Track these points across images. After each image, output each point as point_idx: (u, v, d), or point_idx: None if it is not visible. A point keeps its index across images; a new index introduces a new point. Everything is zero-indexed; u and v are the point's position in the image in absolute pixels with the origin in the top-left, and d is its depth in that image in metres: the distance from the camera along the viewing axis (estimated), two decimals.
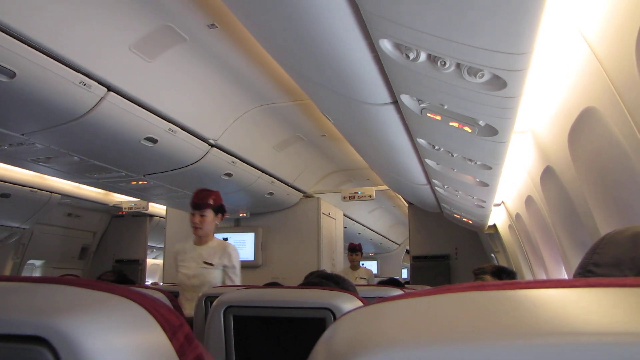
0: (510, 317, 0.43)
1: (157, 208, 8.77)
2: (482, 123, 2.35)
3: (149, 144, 4.20)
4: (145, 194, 6.59)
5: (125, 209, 8.36)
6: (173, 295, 2.28)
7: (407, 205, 8.42)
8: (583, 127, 2.04)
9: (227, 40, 3.66)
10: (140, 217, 9.45)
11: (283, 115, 5.32)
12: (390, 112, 2.84)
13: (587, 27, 1.63)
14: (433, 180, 4.41)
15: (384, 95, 2.63)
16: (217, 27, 3.44)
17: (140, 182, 5.63)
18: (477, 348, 0.40)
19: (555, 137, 2.38)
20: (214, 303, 1.95)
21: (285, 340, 1.78)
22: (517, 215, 4.69)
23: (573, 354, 0.39)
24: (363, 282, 6.57)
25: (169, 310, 0.63)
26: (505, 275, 2.54)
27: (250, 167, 5.80)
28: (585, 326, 0.40)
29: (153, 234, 10.07)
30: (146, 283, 9.74)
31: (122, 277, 2.82)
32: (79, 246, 9.17)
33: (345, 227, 9.58)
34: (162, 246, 8.39)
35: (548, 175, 2.85)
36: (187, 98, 4.18)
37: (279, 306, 1.70)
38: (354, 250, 6.97)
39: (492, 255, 7.86)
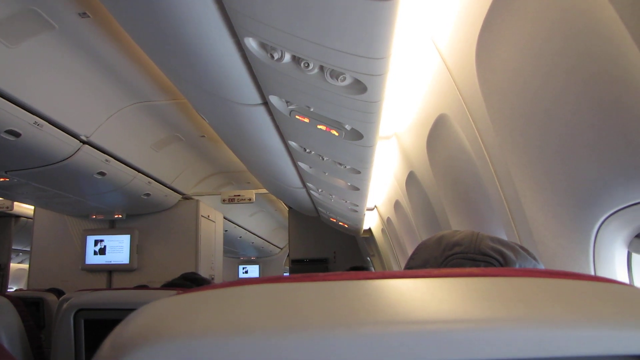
0: (291, 308, 0.44)
1: (24, 208, 8.20)
2: (348, 127, 2.40)
3: (11, 138, 3.91)
4: (8, 193, 6.13)
5: None
6: (21, 301, 2.14)
7: (287, 209, 8.47)
8: (439, 133, 2.15)
9: (101, 31, 3.49)
10: (3, 218, 8.78)
11: (160, 114, 5.16)
12: (262, 114, 2.84)
13: (439, 37, 1.72)
14: (308, 183, 4.46)
15: (254, 96, 2.62)
16: (89, 17, 3.27)
17: (0, 180, 5.24)
18: (259, 339, 0.40)
19: (416, 143, 2.49)
20: (63, 306, 1.85)
21: None
22: (388, 220, 4.85)
23: (351, 344, 0.40)
24: None
25: None
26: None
27: (125, 166, 5.58)
28: (368, 315, 0.42)
29: (19, 236, 9.38)
30: (9, 290, 9.08)
31: None
32: None
33: (225, 231, 9.48)
34: (29, 249, 7.86)
35: (411, 180, 2.97)
36: (56, 90, 3.93)
37: (128, 308, 1.63)
38: None
39: (368, 258, 8.09)
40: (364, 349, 0.40)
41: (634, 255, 1.39)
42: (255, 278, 0.52)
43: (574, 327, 0.41)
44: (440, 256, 0.94)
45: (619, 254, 1.37)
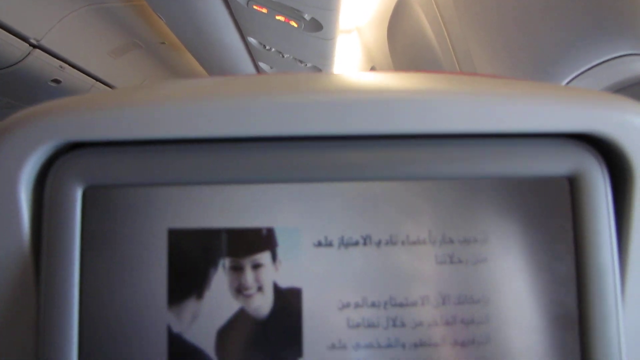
0: (207, 88, 0.42)
1: None
2: (307, 17, 2.32)
3: None
4: None
5: None
6: None
7: None
8: (399, 20, 2.09)
9: None
10: None
11: (117, 19, 4.93)
12: (219, 6, 2.73)
13: None
14: None
15: None
16: None
17: None
18: (173, 107, 0.38)
19: (377, 35, 2.43)
20: None
21: None
22: None
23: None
24: None
25: None
26: None
27: (82, 73, 5.38)
28: (284, 87, 0.39)
29: None
30: None
31: None
32: None
33: None
34: None
35: None
36: None
37: None
38: None
39: None
40: (280, 116, 0.37)
41: None
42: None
43: (511, 101, 0.39)
44: None
45: None
